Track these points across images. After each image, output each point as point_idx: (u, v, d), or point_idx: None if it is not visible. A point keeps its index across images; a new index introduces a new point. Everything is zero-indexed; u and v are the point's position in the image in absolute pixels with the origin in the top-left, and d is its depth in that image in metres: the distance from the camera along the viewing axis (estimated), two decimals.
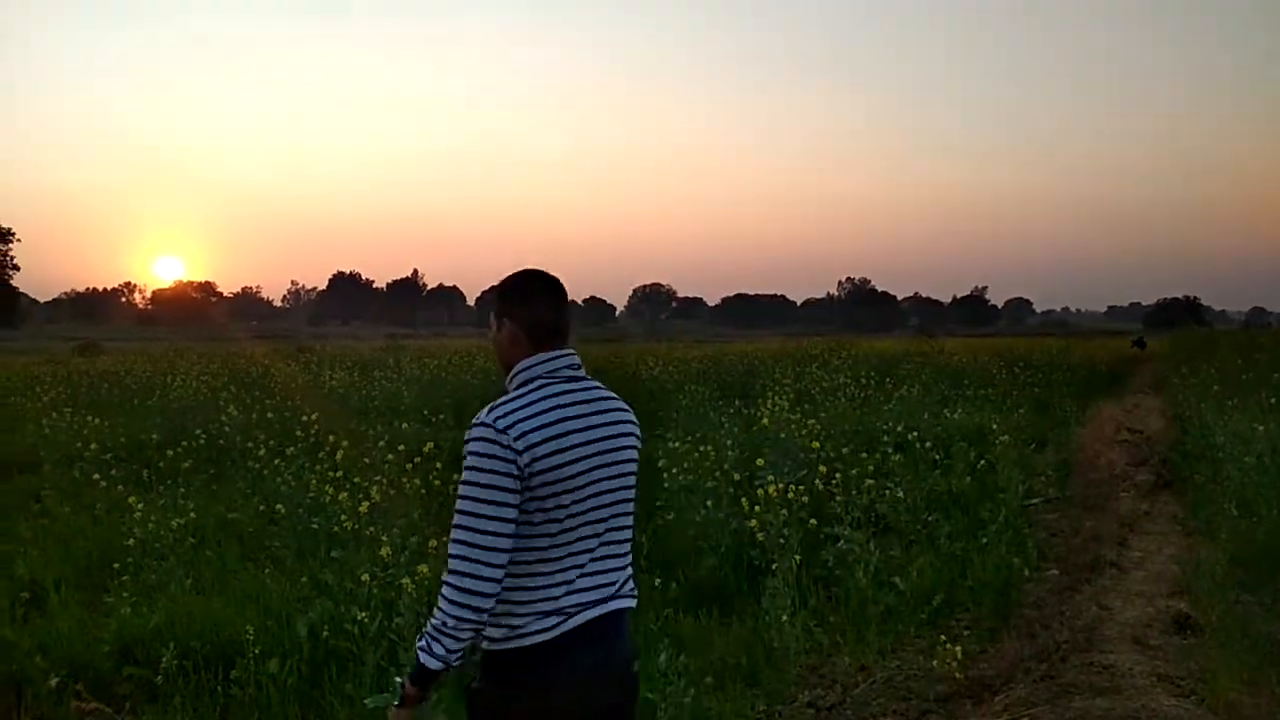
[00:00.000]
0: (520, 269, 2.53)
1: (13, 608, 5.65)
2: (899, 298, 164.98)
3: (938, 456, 9.69)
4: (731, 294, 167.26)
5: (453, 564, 2.28)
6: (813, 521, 6.07)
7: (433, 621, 2.30)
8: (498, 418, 2.31)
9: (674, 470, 7.88)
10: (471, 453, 2.29)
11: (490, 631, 2.35)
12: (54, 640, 5.22)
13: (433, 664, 2.31)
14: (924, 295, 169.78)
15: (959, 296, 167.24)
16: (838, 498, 6.66)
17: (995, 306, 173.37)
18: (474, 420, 2.33)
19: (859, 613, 5.76)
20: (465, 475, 2.29)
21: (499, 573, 2.27)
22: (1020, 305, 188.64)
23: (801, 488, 6.19)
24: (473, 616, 2.27)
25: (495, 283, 2.50)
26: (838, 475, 6.83)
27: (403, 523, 6.28)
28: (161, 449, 9.53)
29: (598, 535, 2.40)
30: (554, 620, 2.34)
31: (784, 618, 5.31)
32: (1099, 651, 5.29)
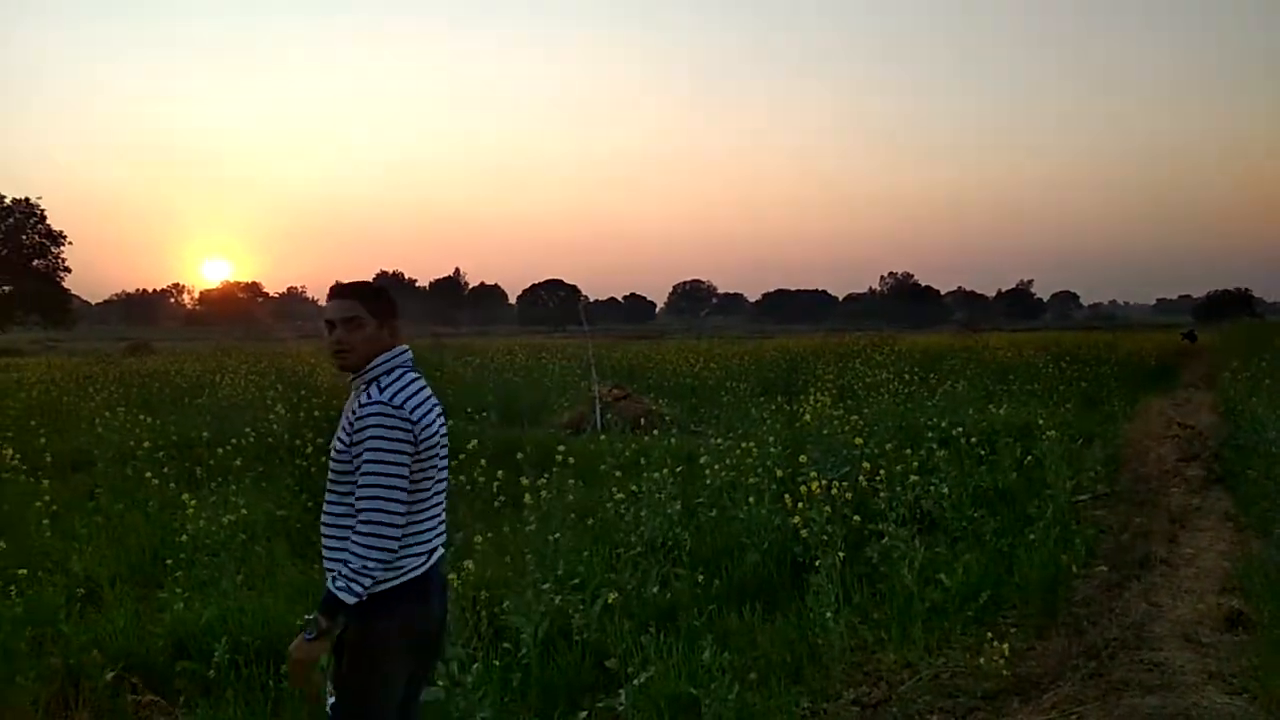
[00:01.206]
0: (373, 280, 3.17)
1: (69, 603, 5.76)
2: (942, 292, 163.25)
3: (983, 452, 9.60)
4: (772, 290, 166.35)
5: (368, 516, 2.77)
6: (856, 518, 6.05)
7: (351, 565, 2.75)
8: (392, 397, 2.85)
9: (715, 467, 7.88)
10: (376, 425, 2.80)
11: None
12: (109, 635, 5.32)
13: (350, 599, 2.74)
14: (968, 289, 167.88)
15: (1004, 290, 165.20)
16: (882, 494, 6.63)
17: (1041, 300, 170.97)
18: (369, 399, 2.85)
19: (904, 609, 5.73)
20: (371, 444, 2.79)
21: (402, 520, 2.83)
22: (1067, 299, 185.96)
23: (845, 484, 6.18)
24: (386, 558, 2.78)
25: (352, 284, 3.00)
26: (882, 471, 6.80)
27: (447, 519, 6.34)
28: (211, 447, 9.68)
29: (441, 489, 3.04)
30: (424, 557, 2.96)
31: (828, 614, 5.29)
32: (1149, 649, 5.22)
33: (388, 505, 2.78)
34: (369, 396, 2.86)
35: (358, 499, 2.79)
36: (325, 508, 2.96)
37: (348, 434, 2.88)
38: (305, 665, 2.76)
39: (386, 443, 2.79)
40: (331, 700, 2.87)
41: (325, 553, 2.92)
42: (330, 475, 2.94)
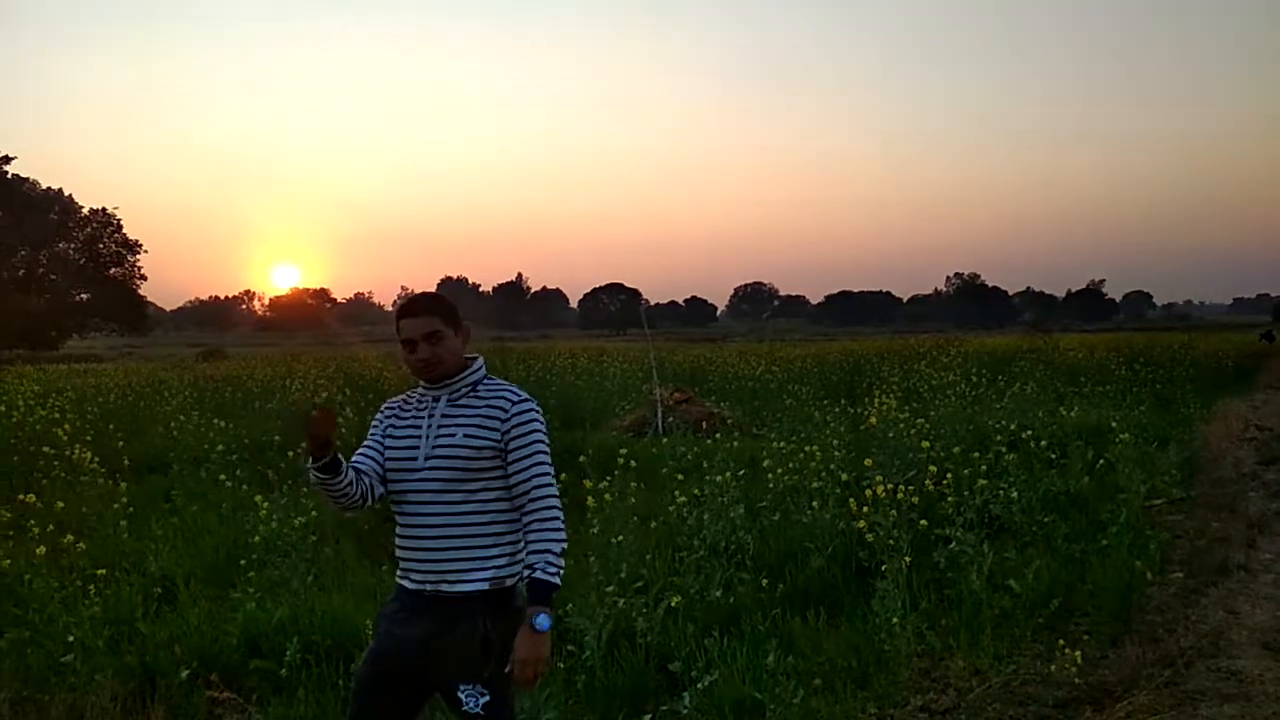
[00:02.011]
0: (437, 287, 3.16)
1: (145, 602, 5.90)
2: (1010, 293, 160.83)
3: (1054, 456, 9.43)
4: (835, 291, 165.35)
5: (552, 503, 2.89)
6: (923, 522, 5.97)
7: (555, 551, 2.82)
8: (527, 395, 3.00)
9: (778, 470, 7.84)
10: (536, 419, 2.95)
11: (512, 568, 2.91)
12: (184, 634, 5.44)
13: (559, 580, 2.82)
14: (1036, 289, 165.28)
15: (1074, 290, 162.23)
16: (949, 498, 6.54)
17: (1113, 300, 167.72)
18: (519, 396, 2.97)
19: (972, 616, 5.64)
20: (537, 437, 2.93)
21: None
22: (1140, 298, 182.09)
23: (911, 488, 6.10)
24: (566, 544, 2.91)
25: (425, 301, 3.01)
26: (949, 475, 6.71)
27: None
28: (283, 450, 9.86)
29: None
30: None
31: (894, 620, 5.23)
32: (1226, 657, 5.09)
33: (556, 493, 2.93)
34: (516, 396, 2.97)
35: (535, 489, 2.88)
36: (443, 509, 2.90)
37: (495, 432, 2.91)
38: (548, 658, 2.82)
39: (544, 435, 2.97)
40: (485, 699, 2.83)
41: (445, 553, 2.88)
42: (453, 475, 2.90)
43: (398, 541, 2.99)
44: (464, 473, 2.89)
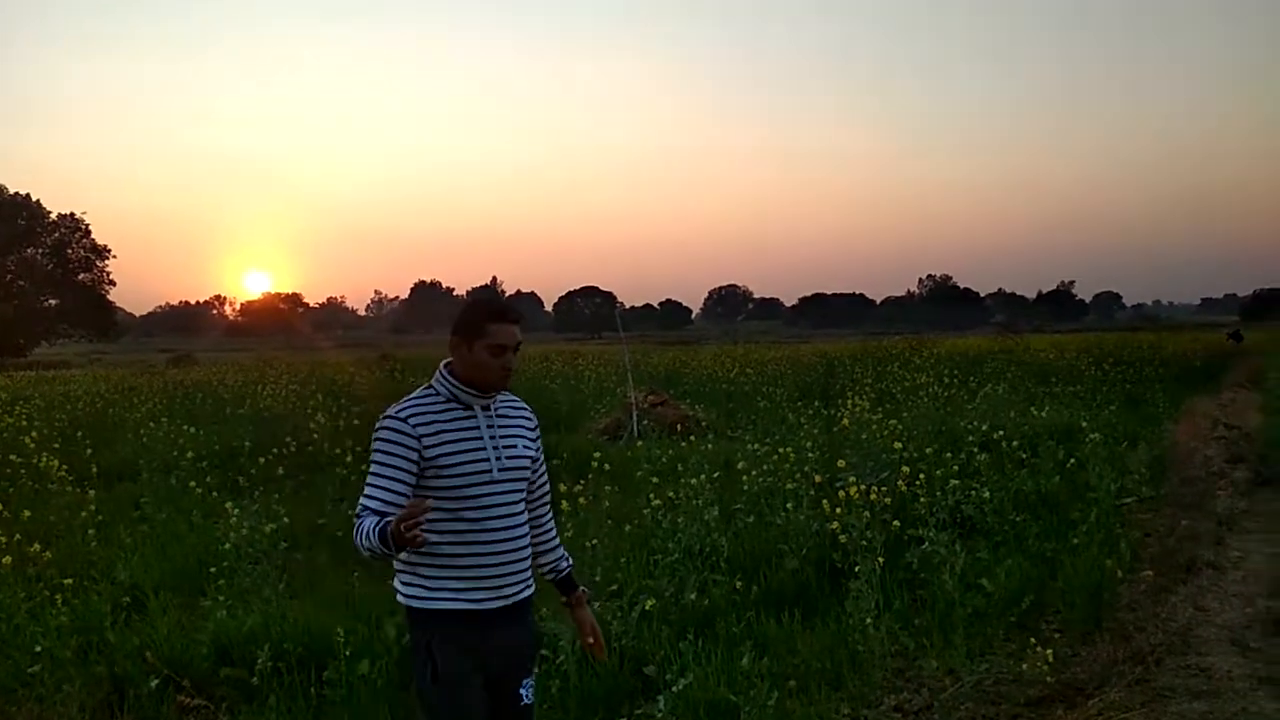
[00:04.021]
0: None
1: (114, 611, 5.84)
2: (982, 294, 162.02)
3: (1025, 455, 9.50)
4: (809, 294, 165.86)
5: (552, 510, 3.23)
6: (896, 523, 6.00)
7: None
8: None
9: (753, 473, 7.85)
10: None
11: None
12: (154, 642, 5.38)
13: None
14: (1008, 291, 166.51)
15: (1045, 292, 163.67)
16: (922, 499, 6.57)
17: (1083, 301, 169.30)
18: (529, 410, 3.12)
19: (945, 615, 5.67)
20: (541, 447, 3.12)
21: None
22: (1109, 299, 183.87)
23: (884, 489, 6.12)
24: None
25: (514, 312, 2.97)
26: (921, 476, 6.74)
27: None
28: (254, 456, 9.79)
29: None
30: None
31: (868, 620, 5.25)
32: (1196, 654, 5.14)
33: None
34: (529, 407, 3.11)
35: (546, 496, 3.16)
36: (515, 519, 2.91)
37: (534, 442, 3.07)
38: None
39: None
40: (529, 698, 3.02)
41: (522, 561, 2.93)
42: (520, 485, 2.97)
43: (456, 559, 2.82)
44: (525, 482, 3.00)
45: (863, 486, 5.82)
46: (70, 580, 5.68)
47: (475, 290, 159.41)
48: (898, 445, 7.59)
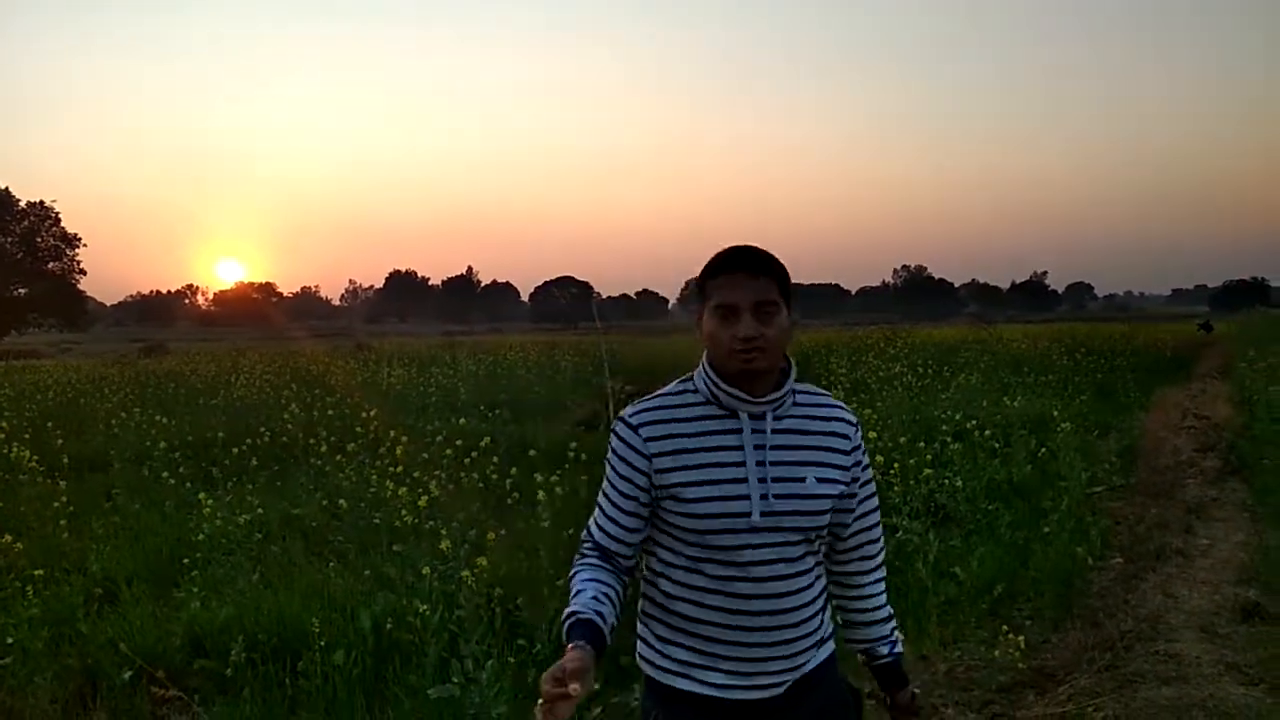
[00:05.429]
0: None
1: (86, 603, 5.80)
2: (956, 285, 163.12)
3: (997, 445, 9.57)
4: None
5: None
6: None
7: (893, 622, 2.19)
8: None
9: None
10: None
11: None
12: (127, 634, 5.34)
13: None
14: (981, 281, 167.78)
15: (1018, 282, 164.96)
16: (895, 488, 6.62)
17: (1056, 292, 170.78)
18: (850, 410, 2.10)
19: (918, 603, 5.72)
20: (870, 471, 2.13)
21: None
22: (1081, 290, 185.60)
23: None
24: None
25: (764, 255, 1.93)
26: (895, 465, 6.79)
27: (462, 516, 6.37)
28: (227, 447, 9.72)
29: None
30: None
31: None
32: (1165, 640, 5.21)
33: None
34: (849, 411, 2.08)
35: (869, 548, 2.11)
36: (784, 583, 1.94)
37: (845, 471, 2.01)
38: None
39: None
40: None
41: (794, 628, 1.96)
42: (798, 537, 1.95)
43: (693, 625, 2.00)
44: (816, 530, 1.97)
45: None
46: (41, 571, 5.61)
47: (449, 280, 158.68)
48: (872, 434, 7.63)
